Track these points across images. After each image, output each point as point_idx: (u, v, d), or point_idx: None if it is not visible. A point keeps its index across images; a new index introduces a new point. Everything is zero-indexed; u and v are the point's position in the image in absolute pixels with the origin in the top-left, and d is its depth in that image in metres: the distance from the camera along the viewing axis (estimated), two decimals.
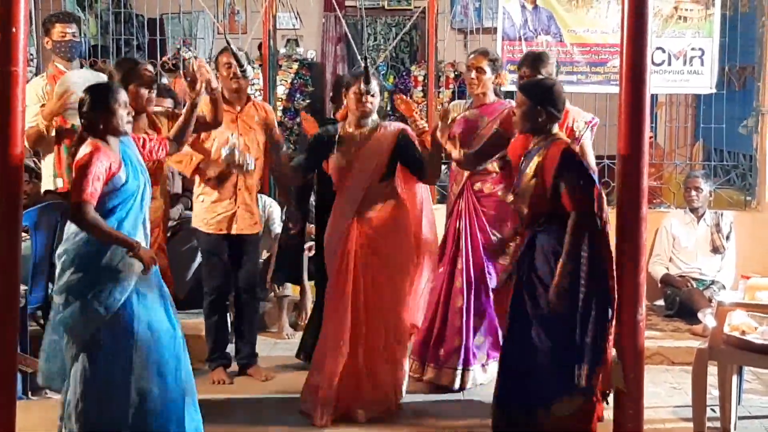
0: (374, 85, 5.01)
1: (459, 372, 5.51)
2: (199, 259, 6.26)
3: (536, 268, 4.46)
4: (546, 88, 4.58)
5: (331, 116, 6.64)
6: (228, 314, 5.91)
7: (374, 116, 5.15)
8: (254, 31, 7.80)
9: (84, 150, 4.14)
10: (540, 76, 5.20)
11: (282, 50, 10.48)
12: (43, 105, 5.53)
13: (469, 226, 5.53)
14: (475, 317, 5.51)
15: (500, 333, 5.23)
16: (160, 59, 7.89)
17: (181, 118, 4.69)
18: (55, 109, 5.43)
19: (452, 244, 5.57)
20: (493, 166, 5.44)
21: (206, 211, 5.62)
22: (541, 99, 4.49)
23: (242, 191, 5.59)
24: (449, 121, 5.52)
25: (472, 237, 5.53)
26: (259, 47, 8.69)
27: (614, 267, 4.31)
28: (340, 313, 5.05)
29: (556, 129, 4.53)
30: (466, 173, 5.52)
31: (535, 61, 5.44)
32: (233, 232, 5.62)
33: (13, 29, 3.80)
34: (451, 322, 5.52)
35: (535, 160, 4.44)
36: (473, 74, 5.55)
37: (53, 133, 5.52)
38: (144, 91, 5.10)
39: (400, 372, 5.17)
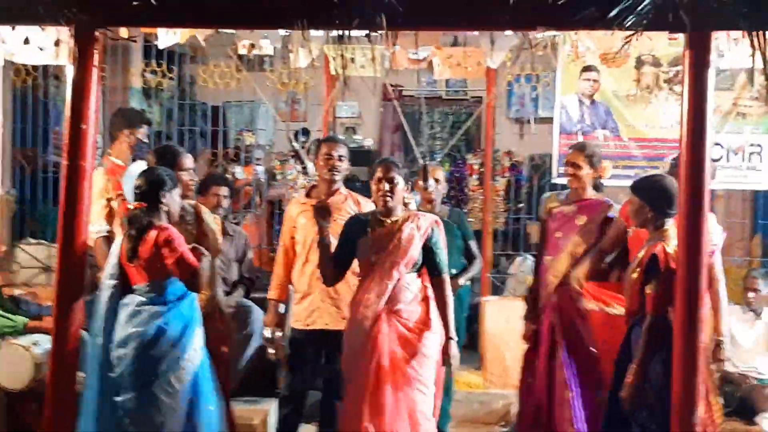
0: (399, 179, 4.82)
1: None
2: (253, 346, 6.28)
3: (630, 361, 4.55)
4: (652, 185, 4.70)
5: None
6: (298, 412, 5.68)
7: (410, 206, 5.05)
8: (315, 119, 7.95)
9: (161, 233, 4.42)
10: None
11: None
12: (109, 199, 5.63)
13: (567, 319, 5.41)
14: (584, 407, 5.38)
15: None
16: (223, 147, 8.06)
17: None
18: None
19: (548, 338, 5.46)
20: None
21: (297, 307, 5.58)
22: (647, 196, 4.62)
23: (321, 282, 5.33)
24: (546, 212, 5.59)
25: (572, 330, 5.39)
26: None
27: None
28: (360, 409, 4.73)
29: (669, 224, 4.56)
30: (563, 267, 5.43)
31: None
32: (316, 327, 5.49)
33: (83, 126, 3.93)
34: (560, 415, 5.35)
35: (640, 256, 4.58)
36: (570, 170, 5.50)
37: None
38: (186, 178, 5.06)
39: None
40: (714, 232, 5.12)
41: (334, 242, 5.00)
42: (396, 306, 4.80)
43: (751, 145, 7.19)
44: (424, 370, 4.78)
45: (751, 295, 6.90)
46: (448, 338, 4.85)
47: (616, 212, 5.46)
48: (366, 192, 5.83)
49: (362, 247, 4.90)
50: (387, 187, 4.82)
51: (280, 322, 5.66)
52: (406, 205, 4.99)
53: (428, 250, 4.87)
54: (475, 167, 10.71)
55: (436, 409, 4.91)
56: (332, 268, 4.97)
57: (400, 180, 4.85)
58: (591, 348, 5.35)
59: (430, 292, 4.92)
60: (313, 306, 5.49)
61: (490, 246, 7.71)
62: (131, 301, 4.48)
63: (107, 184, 5.69)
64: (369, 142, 11.32)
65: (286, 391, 5.66)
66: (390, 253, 4.82)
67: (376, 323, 4.77)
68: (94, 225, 5.49)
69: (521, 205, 9.23)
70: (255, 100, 8.81)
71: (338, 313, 5.44)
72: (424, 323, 4.85)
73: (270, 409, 6.44)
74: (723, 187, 7.95)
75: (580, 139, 7.23)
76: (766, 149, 7.17)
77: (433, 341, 4.83)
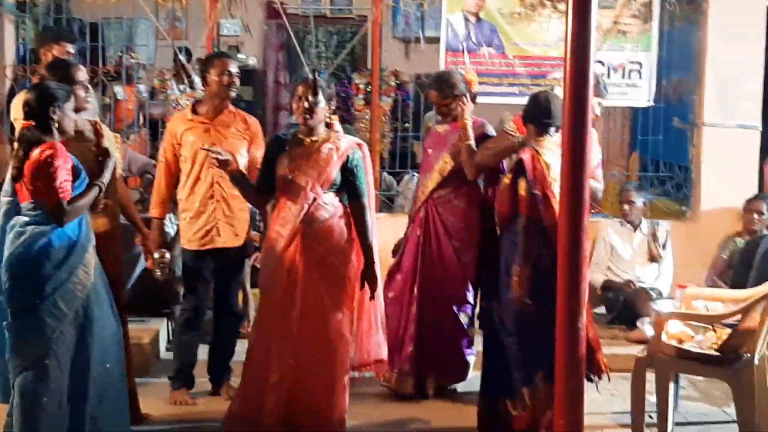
0: (320, 97, 4.76)
1: (414, 380, 5.58)
2: (141, 265, 6.21)
3: (500, 264, 4.81)
4: (530, 100, 4.99)
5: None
6: (200, 333, 5.61)
7: (333, 127, 4.94)
8: (196, 38, 7.76)
9: (44, 151, 4.19)
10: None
11: None
12: None
13: (430, 234, 5.58)
14: (432, 326, 5.55)
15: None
16: (102, 66, 7.80)
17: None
18: None
19: (413, 252, 5.59)
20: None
21: (189, 227, 5.44)
22: (526, 111, 4.93)
23: (220, 203, 5.38)
24: (425, 130, 5.68)
25: (434, 245, 5.57)
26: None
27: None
28: (270, 327, 4.79)
29: (549, 136, 4.78)
30: (432, 184, 5.58)
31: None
32: (216, 246, 5.42)
33: None
34: (408, 330, 5.54)
35: (511, 163, 4.89)
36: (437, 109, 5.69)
37: None
38: (81, 93, 4.85)
39: (341, 396, 4.80)
40: (595, 149, 5.32)
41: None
42: (312, 225, 4.76)
43: (631, 62, 7.37)
44: (339, 290, 4.80)
45: (626, 207, 7.16)
46: (367, 263, 4.82)
47: (490, 130, 5.58)
48: (249, 112, 5.77)
49: (280, 165, 4.83)
50: (306, 105, 4.75)
51: (165, 240, 5.57)
52: (330, 126, 4.93)
53: (347, 172, 4.81)
54: (361, 87, 10.65)
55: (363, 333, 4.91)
56: (255, 194, 4.97)
57: (320, 99, 4.77)
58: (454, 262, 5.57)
59: (344, 211, 4.85)
60: (209, 225, 5.40)
61: (377, 165, 7.73)
62: (17, 221, 4.30)
63: None
64: (253, 61, 11.11)
65: (185, 315, 5.56)
66: (306, 172, 4.77)
67: (292, 242, 4.75)
68: None
69: (407, 125, 9.24)
70: (134, 17, 8.53)
71: (232, 230, 5.44)
72: (343, 244, 4.82)
73: (159, 329, 6.44)
74: (604, 104, 8.14)
75: (466, 57, 7.29)
76: (646, 67, 7.36)
77: (350, 262, 4.83)
